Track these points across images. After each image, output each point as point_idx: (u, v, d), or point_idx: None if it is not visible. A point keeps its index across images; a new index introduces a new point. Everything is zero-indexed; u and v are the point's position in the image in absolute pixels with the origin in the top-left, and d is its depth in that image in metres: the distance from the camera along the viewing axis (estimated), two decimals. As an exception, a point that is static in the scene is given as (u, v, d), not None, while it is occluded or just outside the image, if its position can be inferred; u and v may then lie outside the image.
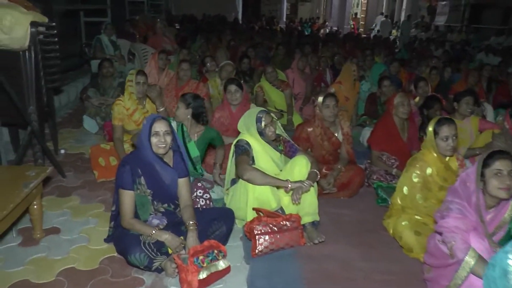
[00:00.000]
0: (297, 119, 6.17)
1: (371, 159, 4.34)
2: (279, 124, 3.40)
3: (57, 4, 7.16)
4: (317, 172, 3.31)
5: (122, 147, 4.02)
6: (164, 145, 2.78)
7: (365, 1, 29.28)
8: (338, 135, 4.10)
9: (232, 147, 3.39)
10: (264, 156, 3.35)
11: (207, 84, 5.88)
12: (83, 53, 7.37)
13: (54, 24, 4.07)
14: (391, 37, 21.15)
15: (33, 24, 3.70)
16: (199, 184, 3.50)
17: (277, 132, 3.36)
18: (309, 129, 4.06)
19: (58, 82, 4.32)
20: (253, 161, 3.30)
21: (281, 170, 3.43)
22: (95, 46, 7.03)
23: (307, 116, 6.66)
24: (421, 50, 12.16)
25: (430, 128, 3.18)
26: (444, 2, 22.67)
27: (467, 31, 18.90)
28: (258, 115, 3.29)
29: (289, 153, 3.49)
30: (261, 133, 3.29)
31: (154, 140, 2.77)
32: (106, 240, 3.04)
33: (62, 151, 4.68)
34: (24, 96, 3.78)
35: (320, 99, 3.97)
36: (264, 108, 6.14)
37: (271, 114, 3.33)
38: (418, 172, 3.22)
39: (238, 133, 4.32)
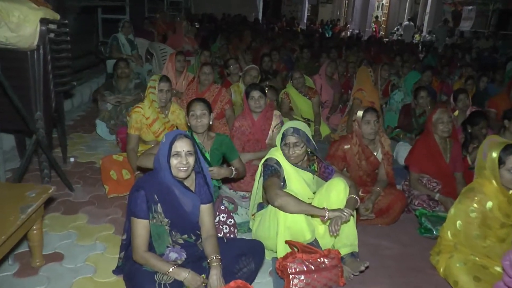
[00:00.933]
0: (324, 129, 5.74)
1: (409, 181, 3.89)
2: (313, 142, 2.96)
3: (75, 0, 6.83)
4: (357, 198, 2.89)
5: (136, 159, 3.62)
6: (185, 168, 2.37)
7: (387, 4, 28.66)
8: (378, 154, 3.65)
9: (260, 166, 2.97)
10: (296, 178, 2.92)
11: (230, 89, 5.46)
12: (99, 52, 7.01)
13: (66, 21, 3.70)
14: (413, 41, 20.54)
15: (43, 21, 3.33)
16: (222, 207, 3.09)
17: (309, 150, 2.93)
18: (346, 147, 3.62)
19: (69, 85, 3.94)
20: (284, 182, 2.88)
21: (314, 193, 3.01)
22: (111, 45, 6.66)
23: (334, 126, 6.24)
24: (450, 57, 11.59)
25: (494, 155, 2.71)
26: (470, 7, 21.99)
27: (494, 37, 18.20)
28: (285, 131, 2.86)
29: (323, 175, 3.06)
30: (283, 151, 2.88)
31: (174, 161, 2.36)
32: (115, 272, 2.64)
33: (72, 159, 4.31)
34: (30, 101, 3.42)
35: (360, 113, 3.53)
36: (290, 116, 5.84)
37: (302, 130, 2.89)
38: (476, 206, 2.76)
39: (260, 145, 4.02)
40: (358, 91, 5.54)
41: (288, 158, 2.86)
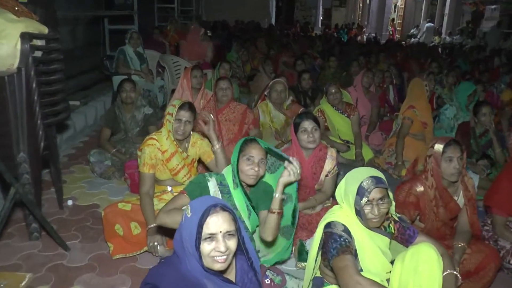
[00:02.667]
0: (367, 153, 4.91)
1: (492, 227, 3.05)
2: (391, 196, 2.15)
3: (79, 10, 6.10)
4: (457, 274, 2.08)
5: (151, 208, 2.84)
6: (225, 257, 1.57)
7: (402, 6, 27.72)
8: (459, 198, 2.81)
9: (321, 231, 2.15)
10: (371, 248, 2.10)
11: (257, 108, 4.66)
12: (103, 67, 6.25)
13: (57, 36, 2.93)
14: (433, 43, 19.53)
15: (25, 36, 2.57)
16: (267, 281, 2.29)
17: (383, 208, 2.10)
18: (419, 189, 2.78)
19: (63, 114, 3.17)
20: (356, 255, 2.06)
21: (391, 262, 2.19)
22: (118, 59, 5.89)
23: (374, 146, 5.40)
24: (484, 61, 10.65)
25: None
26: (493, 6, 20.96)
27: (522, 38, 17.12)
28: (363, 183, 2.04)
29: (402, 237, 2.25)
30: (359, 212, 2.05)
31: (207, 248, 1.56)
32: None
33: (70, 203, 3.53)
34: (10, 140, 2.64)
35: (439, 147, 2.70)
36: (326, 137, 5.03)
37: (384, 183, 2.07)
38: None
39: (308, 191, 3.15)
40: (409, 109, 4.68)
41: (369, 220, 2.05)
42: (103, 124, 4.20)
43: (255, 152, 2.33)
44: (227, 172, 2.43)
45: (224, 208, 1.60)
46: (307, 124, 3.01)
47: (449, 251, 2.66)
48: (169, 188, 3.14)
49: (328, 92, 4.91)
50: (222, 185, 2.37)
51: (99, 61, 6.81)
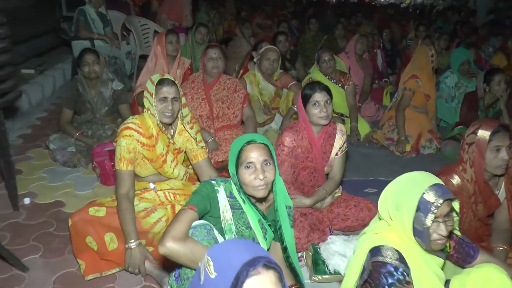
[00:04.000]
0: (363, 127, 4.44)
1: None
2: (457, 206, 1.67)
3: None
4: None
5: (132, 216, 2.27)
6: None
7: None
8: (500, 192, 2.38)
9: (363, 257, 1.65)
10: (428, 276, 1.63)
11: (243, 80, 4.07)
12: (61, 31, 5.44)
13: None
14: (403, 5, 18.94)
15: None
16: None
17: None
18: (455, 181, 2.32)
19: (13, 94, 2.51)
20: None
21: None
22: (77, 20, 5.09)
23: (367, 118, 4.93)
24: (464, 21, 10.25)
25: None
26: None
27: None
28: (426, 195, 1.55)
29: (459, 258, 1.81)
30: (421, 233, 1.57)
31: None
32: None
33: (27, 201, 2.90)
34: None
35: (484, 134, 2.22)
36: None
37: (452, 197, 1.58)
38: None
39: (318, 175, 2.67)
40: (412, 78, 4.18)
41: (433, 242, 1.57)
42: (63, 104, 3.49)
43: (254, 156, 1.77)
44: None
45: (268, 266, 1.06)
46: (320, 97, 2.48)
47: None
48: (151, 185, 2.57)
49: (321, 59, 4.37)
50: (232, 197, 1.84)
51: (55, 23, 5.98)
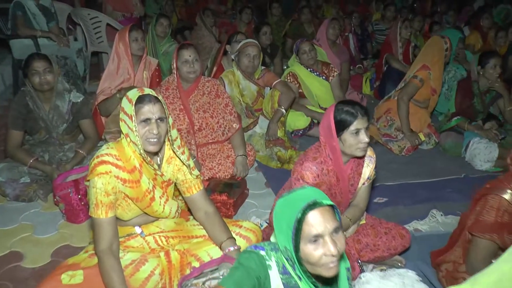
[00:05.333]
0: (353, 123, 4.03)
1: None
2: None
3: None
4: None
5: (120, 280, 1.74)
6: None
7: None
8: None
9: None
10: None
11: (221, 79, 3.54)
12: (-5, 29, 4.66)
13: None
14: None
15: None
16: None
17: None
18: (508, 197, 1.94)
19: None
20: None
21: None
22: (15, 16, 4.30)
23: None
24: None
25: None
26: None
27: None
28: None
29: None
30: None
31: None
32: None
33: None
34: None
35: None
36: (303, 108, 4.04)
37: None
38: None
39: (341, 209, 2.17)
40: (424, 69, 3.76)
41: None
42: (9, 125, 2.81)
43: (322, 226, 1.25)
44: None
45: None
46: (362, 123, 1.98)
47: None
48: (137, 230, 2.04)
49: (300, 50, 3.92)
50: (286, 273, 1.34)
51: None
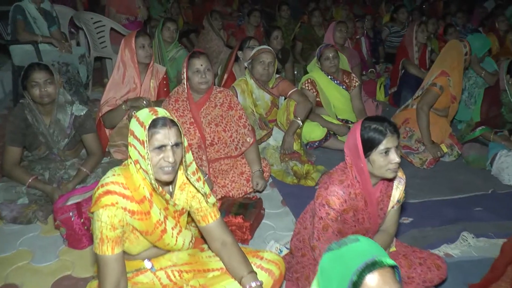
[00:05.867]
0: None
1: None
2: None
3: None
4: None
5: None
6: None
7: None
8: None
9: None
10: None
11: (233, 88, 3.32)
12: (-5, 34, 4.45)
13: None
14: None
15: None
16: None
17: None
18: None
19: None
20: None
21: None
22: (15, 20, 4.08)
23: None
24: (433, 3, 9.78)
25: None
26: None
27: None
28: None
29: None
30: None
31: None
32: None
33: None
34: None
35: None
36: (319, 118, 3.71)
37: None
38: None
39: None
40: (443, 75, 3.53)
41: None
42: (7, 141, 2.58)
43: None
44: None
45: None
46: (393, 142, 1.78)
47: None
48: (147, 264, 1.82)
49: (323, 55, 3.70)
50: None
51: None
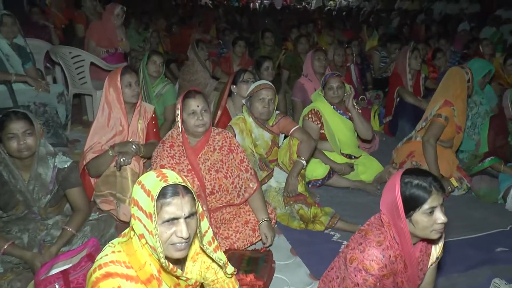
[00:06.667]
0: (374, 166, 3.72)
1: None
2: None
3: None
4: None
5: None
6: None
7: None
8: None
9: None
10: None
11: (231, 128, 3.05)
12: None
13: None
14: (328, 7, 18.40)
15: None
16: None
17: None
18: None
19: None
20: None
21: None
22: None
23: (366, 150, 4.10)
24: (411, 26, 9.86)
25: None
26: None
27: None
28: None
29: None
30: None
31: None
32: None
33: None
34: None
35: None
36: (322, 155, 3.45)
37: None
38: None
39: None
40: (447, 105, 3.35)
41: None
42: None
43: None
44: None
45: None
46: (437, 200, 1.56)
47: None
48: None
49: (327, 85, 3.48)
50: None
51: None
